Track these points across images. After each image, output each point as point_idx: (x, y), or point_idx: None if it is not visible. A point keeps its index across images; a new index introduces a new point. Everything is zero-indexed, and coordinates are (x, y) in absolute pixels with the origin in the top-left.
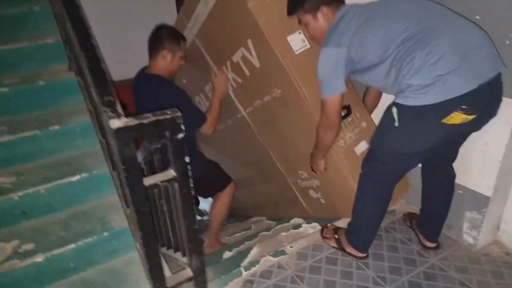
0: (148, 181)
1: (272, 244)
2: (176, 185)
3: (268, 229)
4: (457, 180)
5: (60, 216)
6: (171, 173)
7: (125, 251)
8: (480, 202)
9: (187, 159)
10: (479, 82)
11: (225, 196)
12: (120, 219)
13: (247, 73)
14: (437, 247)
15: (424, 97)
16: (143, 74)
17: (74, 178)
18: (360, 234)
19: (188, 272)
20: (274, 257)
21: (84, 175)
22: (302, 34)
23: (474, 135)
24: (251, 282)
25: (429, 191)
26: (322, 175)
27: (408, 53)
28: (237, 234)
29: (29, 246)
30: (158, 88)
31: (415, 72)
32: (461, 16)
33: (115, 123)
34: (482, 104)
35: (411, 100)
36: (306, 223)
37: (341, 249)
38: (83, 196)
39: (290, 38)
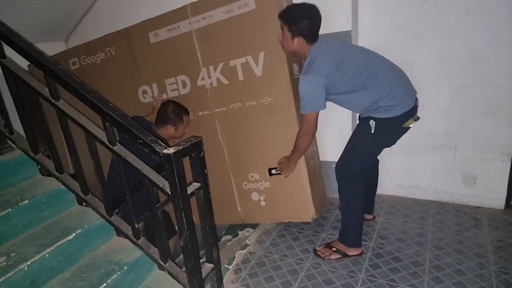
0: (189, 190)
1: (226, 251)
2: (201, 191)
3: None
4: (330, 158)
5: (66, 275)
6: (196, 184)
7: (145, 276)
8: None
9: (206, 171)
10: (414, 102)
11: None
12: (126, 256)
13: (241, 77)
14: (374, 217)
15: (392, 112)
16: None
17: (70, 237)
18: (355, 232)
19: (210, 265)
20: (243, 250)
21: (78, 231)
22: (297, 66)
23: (332, 127)
24: (239, 269)
25: (367, 179)
26: (278, 177)
27: (375, 87)
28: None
29: None
30: None
31: (387, 100)
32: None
33: (170, 150)
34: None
35: (383, 114)
36: (240, 230)
37: (344, 255)
38: (79, 253)
39: (293, 65)
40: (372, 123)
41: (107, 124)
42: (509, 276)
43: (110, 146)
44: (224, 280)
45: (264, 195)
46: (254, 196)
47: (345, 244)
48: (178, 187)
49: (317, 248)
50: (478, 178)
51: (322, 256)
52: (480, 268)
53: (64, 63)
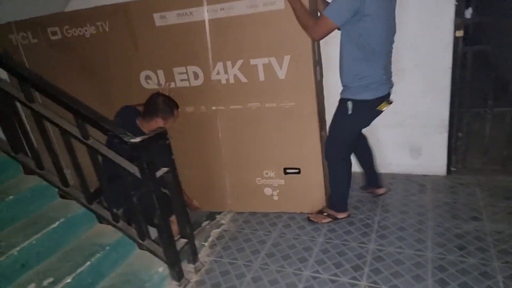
0: (158, 174)
1: (204, 231)
2: (170, 175)
3: None
4: None
5: (53, 259)
6: (165, 169)
7: (127, 255)
8: None
9: (173, 157)
10: (388, 90)
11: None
12: (108, 239)
13: (261, 78)
14: (387, 190)
15: (366, 94)
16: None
17: (55, 225)
18: (342, 199)
19: (184, 240)
20: (218, 229)
21: (61, 220)
22: (319, 68)
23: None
24: (215, 244)
25: (360, 155)
26: (293, 176)
27: (370, 62)
28: None
29: (49, 280)
30: None
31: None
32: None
33: (137, 140)
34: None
35: (359, 96)
36: (217, 215)
37: (334, 218)
38: (64, 239)
39: (317, 68)
40: (349, 104)
41: (79, 121)
42: (442, 229)
43: (83, 140)
44: (200, 255)
45: (277, 191)
46: (267, 191)
47: (335, 210)
48: (147, 171)
49: (310, 216)
50: (423, 150)
51: (316, 221)
52: (419, 223)
53: (41, 32)
